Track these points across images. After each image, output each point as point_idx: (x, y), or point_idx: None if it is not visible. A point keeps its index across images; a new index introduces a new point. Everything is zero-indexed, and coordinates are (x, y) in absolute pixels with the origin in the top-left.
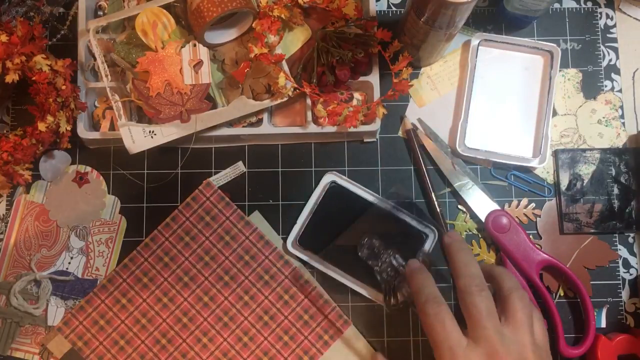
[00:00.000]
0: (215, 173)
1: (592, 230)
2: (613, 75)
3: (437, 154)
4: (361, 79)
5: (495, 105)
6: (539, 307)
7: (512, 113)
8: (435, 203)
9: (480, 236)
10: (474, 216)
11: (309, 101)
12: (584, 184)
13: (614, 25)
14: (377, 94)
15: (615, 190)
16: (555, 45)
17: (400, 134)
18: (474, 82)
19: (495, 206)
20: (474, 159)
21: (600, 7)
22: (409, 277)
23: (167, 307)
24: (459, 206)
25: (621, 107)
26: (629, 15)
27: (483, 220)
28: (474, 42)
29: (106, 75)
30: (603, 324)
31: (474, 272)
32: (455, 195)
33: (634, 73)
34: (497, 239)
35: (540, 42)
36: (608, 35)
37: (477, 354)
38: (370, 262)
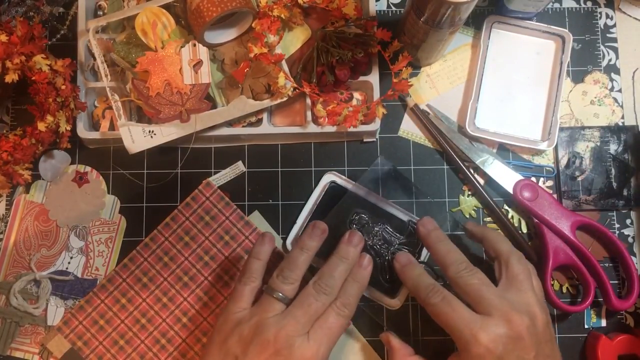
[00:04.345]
0: (215, 173)
1: (591, 207)
2: (613, 75)
3: (453, 133)
4: (361, 78)
5: (506, 88)
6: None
7: (522, 97)
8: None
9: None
10: (478, 193)
11: (308, 101)
12: (583, 162)
13: (614, 25)
14: (376, 94)
15: (614, 168)
16: (566, 30)
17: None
18: (486, 64)
19: (518, 176)
20: (481, 140)
21: (600, 6)
22: (400, 273)
23: (167, 306)
24: (464, 187)
25: (610, 82)
26: (629, 15)
27: (511, 192)
28: (487, 23)
29: (106, 75)
30: (603, 324)
31: (458, 257)
32: (477, 170)
33: (634, 73)
34: (528, 207)
35: (552, 27)
36: (608, 35)
37: (494, 322)
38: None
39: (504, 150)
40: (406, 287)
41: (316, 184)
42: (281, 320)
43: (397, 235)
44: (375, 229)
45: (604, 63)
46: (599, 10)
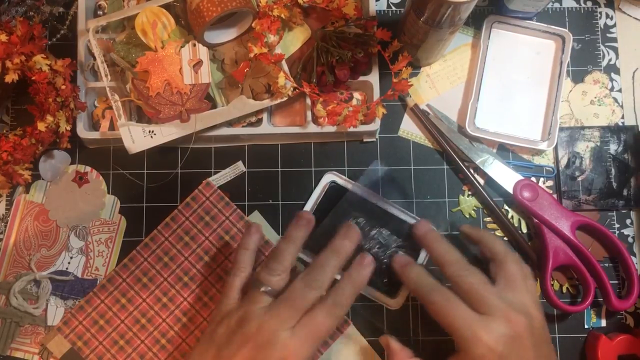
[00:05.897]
0: (215, 173)
1: (591, 207)
2: (613, 75)
3: (453, 133)
4: (361, 78)
5: (506, 88)
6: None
7: (522, 96)
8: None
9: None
10: (478, 193)
11: (308, 101)
12: (583, 162)
13: (614, 25)
14: (376, 94)
15: (614, 168)
16: (566, 30)
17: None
18: (486, 64)
19: (518, 176)
20: (481, 140)
21: (600, 6)
22: (400, 274)
23: (167, 306)
24: (464, 187)
25: (610, 82)
26: (629, 15)
27: (511, 192)
28: (487, 23)
29: (106, 75)
30: (603, 324)
31: (456, 256)
32: (477, 170)
33: (634, 73)
34: (528, 208)
35: (552, 26)
36: (608, 34)
37: (495, 322)
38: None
39: (504, 150)
40: (407, 287)
41: (316, 184)
42: (265, 313)
43: (395, 238)
44: (372, 232)
45: (604, 63)
46: (599, 10)
